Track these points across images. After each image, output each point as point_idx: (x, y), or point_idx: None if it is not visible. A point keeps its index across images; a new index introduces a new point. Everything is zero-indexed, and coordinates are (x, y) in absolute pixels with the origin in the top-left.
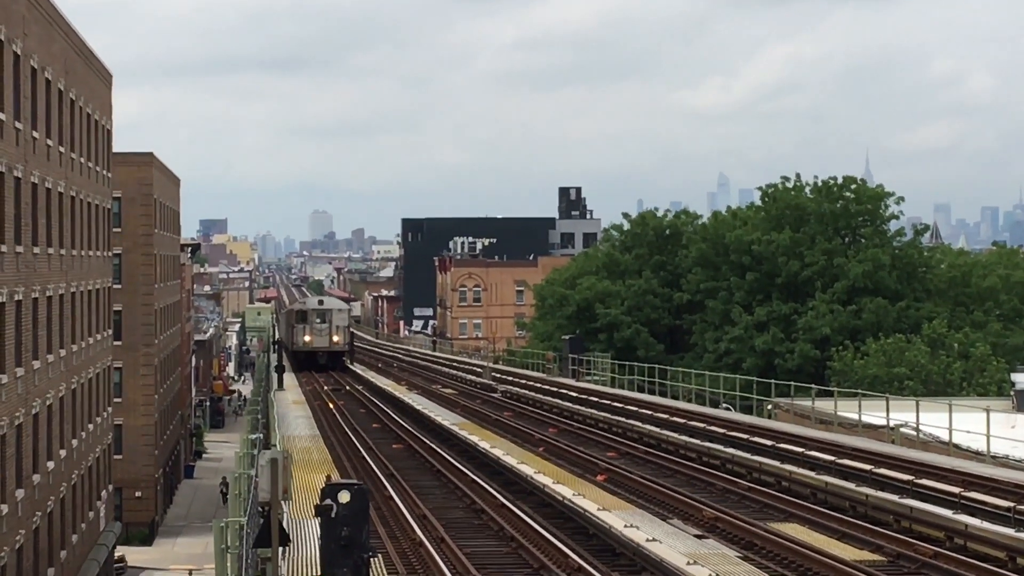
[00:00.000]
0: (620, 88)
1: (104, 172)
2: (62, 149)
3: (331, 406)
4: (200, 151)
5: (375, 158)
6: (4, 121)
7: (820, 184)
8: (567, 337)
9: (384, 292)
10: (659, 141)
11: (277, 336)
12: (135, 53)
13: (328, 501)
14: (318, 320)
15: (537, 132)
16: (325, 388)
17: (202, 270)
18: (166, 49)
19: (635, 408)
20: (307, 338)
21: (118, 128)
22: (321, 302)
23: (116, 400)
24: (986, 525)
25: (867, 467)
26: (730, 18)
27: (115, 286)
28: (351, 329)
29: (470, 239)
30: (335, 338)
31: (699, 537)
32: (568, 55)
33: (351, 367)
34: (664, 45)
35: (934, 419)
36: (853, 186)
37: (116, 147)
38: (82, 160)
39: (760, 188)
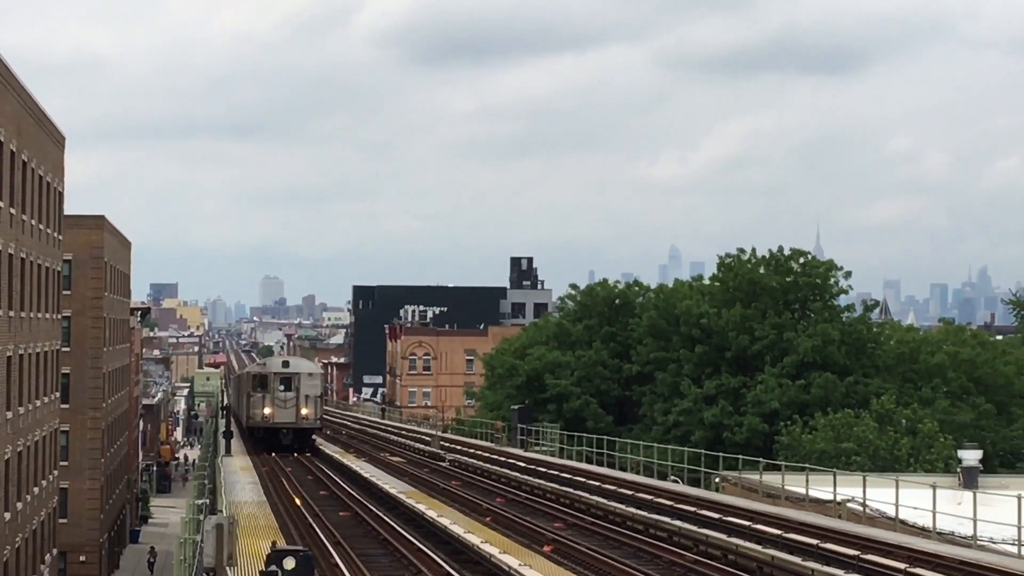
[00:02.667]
0: (577, 160)
1: (55, 234)
2: (13, 211)
3: (278, 473)
4: (155, 215)
5: (329, 225)
6: None
7: (770, 256)
8: (516, 407)
9: (334, 359)
10: (613, 213)
11: (226, 402)
12: (94, 115)
13: (273, 567)
14: (281, 388)
15: (493, 202)
16: (273, 455)
17: (152, 334)
18: (126, 112)
19: (583, 479)
20: (267, 410)
21: (73, 190)
22: (286, 364)
23: (62, 463)
24: None
25: (814, 541)
26: (691, 92)
27: (64, 349)
28: (323, 398)
29: (421, 307)
30: (304, 411)
31: None
32: (527, 126)
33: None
34: (624, 118)
35: (881, 495)
36: (802, 259)
37: (69, 209)
38: (33, 222)
39: (718, 257)
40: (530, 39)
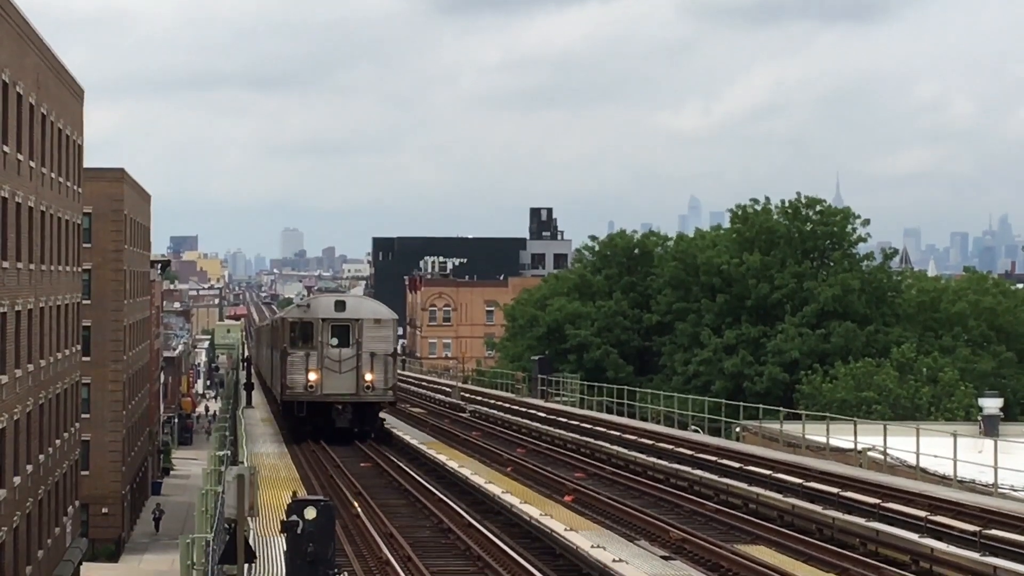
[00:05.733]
0: (601, 110)
1: (74, 187)
2: (32, 164)
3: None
4: (175, 168)
5: (349, 177)
6: None
7: (787, 204)
8: (536, 358)
9: None
10: (635, 163)
11: (247, 354)
12: (117, 68)
13: (294, 517)
14: (335, 342)
15: (516, 153)
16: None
17: (172, 287)
18: (148, 65)
19: (603, 429)
20: (311, 376)
21: (94, 143)
22: (341, 306)
23: (84, 416)
24: (952, 549)
25: (834, 490)
26: (717, 40)
27: (84, 302)
28: (396, 357)
29: (441, 259)
30: (369, 377)
31: (665, 559)
32: (552, 76)
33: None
34: (648, 68)
35: (901, 443)
36: (819, 207)
37: (89, 162)
38: (52, 175)
39: (731, 210)
40: None
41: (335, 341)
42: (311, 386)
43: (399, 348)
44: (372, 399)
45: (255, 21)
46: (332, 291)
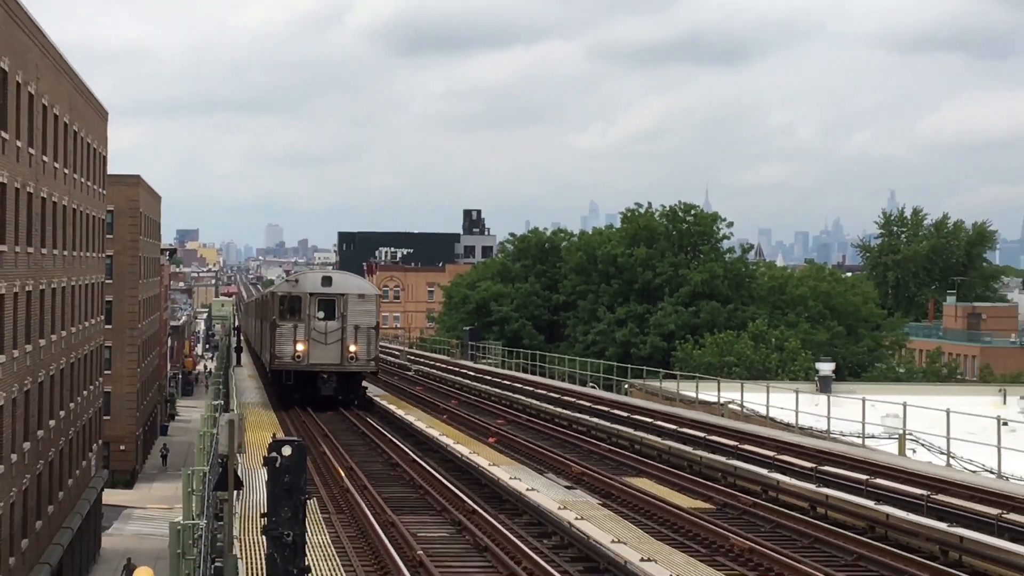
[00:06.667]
0: (523, 131)
1: (99, 190)
2: (66, 171)
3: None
4: (181, 174)
5: (321, 183)
6: (20, 147)
7: (667, 208)
8: (467, 328)
9: None
10: (548, 174)
11: (237, 323)
12: (136, 94)
13: (273, 454)
14: (320, 315)
15: (454, 165)
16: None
17: (177, 270)
18: (161, 92)
19: (520, 385)
20: (299, 347)
21: (116, 154)
22: (328, 281)
23: (106, 372)
24: (793, 481)
25: (701, 435)
26: (614, 78)
27: (107, 281)
28: (379, 330)
29: (392, 249)
30: (353, 348)
31: (568, 488)
32: (485, 104)
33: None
34: (560, 98)
35: (755, 398)
36: (692, 212)
37: (112, 170)
38: (82, 180)
39: (622, 212)
40: (488, 36)
41: (321, 314)
42: (298, 356)
43: (379, 321)
44: (355, 369)
45: (248, 58)
46: (315, 270)
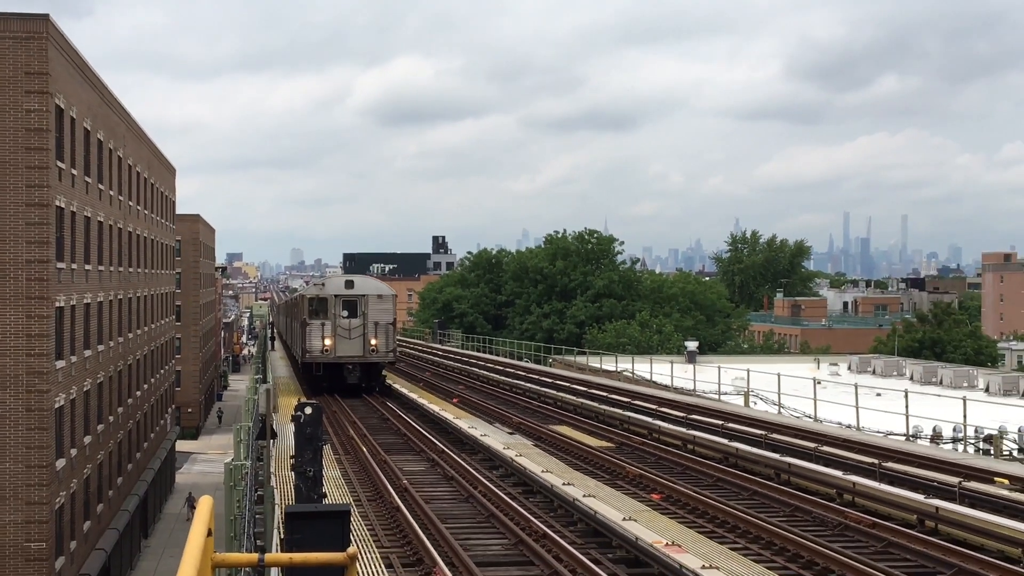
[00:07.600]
0: (474, 180)
1: (170, 225)
2: (146, 212)
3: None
4: (230, 213)
5: (328, 219)
6: (113, 195)
7: (577, 233)
8: (436, 320)
9: None
10: (492, 210)
11: (271, 319)
12: (196, 155)
13: (299, 413)
14: (345, 314)
15: (426, 205)
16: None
17: (227, 281)
18: (214, 154)
19: (474, 360)
20: (327, 342)
21: (182, 199)
22: (350, 284)
23: (177, 356)
24: (670, 426)
25: (604, 393)
26: (538, 141)
27: (176, 291)
28: (395, 326)
29: (382, 265)
30: (373, 341)
31: (510, 434)
32: (447, 160)
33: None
34: (500, 155)
35: (643, 367)
36: (595, 236)
37: (180, 211)
38: (157, 218)
39: (546, 236)
40: (448, 111)
41: (345, 313)
42: (326, 350)
43: (396, 319)
44: (376, 360)
45: (277, 128)
46: (338, 274)
